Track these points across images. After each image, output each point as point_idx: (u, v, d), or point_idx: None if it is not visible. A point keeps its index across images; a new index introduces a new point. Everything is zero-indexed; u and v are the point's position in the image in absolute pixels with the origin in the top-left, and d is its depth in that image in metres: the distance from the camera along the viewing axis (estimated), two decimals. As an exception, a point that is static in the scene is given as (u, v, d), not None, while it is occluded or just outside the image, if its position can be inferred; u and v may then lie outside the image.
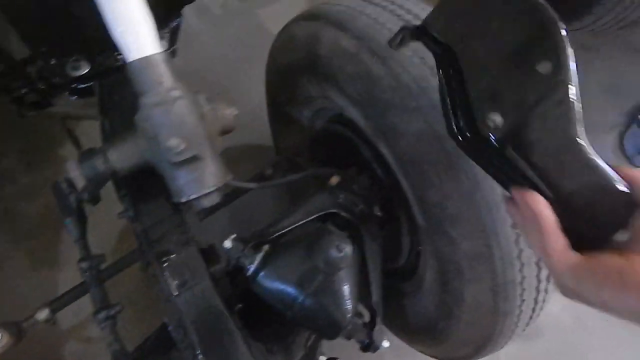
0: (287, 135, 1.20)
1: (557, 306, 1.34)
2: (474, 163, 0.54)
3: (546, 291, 0.77)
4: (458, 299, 0.79)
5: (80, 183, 0.63)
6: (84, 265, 0.74)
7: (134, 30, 0.58)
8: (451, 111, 0.55)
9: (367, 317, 0.69)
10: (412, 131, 0.70)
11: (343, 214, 0.74)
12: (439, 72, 0.55)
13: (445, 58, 0.55)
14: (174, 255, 0.68)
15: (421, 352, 1.08)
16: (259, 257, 0.63)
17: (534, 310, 0.78)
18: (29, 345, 1.13)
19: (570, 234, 0.45)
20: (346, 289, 0.63)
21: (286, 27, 0.95)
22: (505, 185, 0.50)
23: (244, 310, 0.70)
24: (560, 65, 0.44)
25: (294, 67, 0.94)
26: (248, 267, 0.63)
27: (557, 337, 1.36)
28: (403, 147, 0.72)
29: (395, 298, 1.03)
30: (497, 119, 0.48)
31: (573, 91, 0.45)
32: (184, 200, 0.62)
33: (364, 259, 0.71)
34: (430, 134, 0.67)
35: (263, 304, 0.71)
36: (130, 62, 0.58)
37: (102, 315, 0.71)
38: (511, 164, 0.48)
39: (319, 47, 0.82)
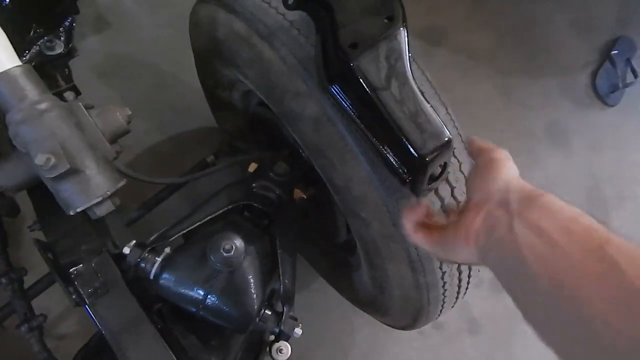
0: (226, 118, 1.18)
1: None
2: (369, 147, 0.57)
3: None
4: (383, 275, 0.78)
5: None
6: (4, 280, 0.75)
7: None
8: (323, 63, 0.55)
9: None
10: (308, 115, 0.67)
11: (255, 204, 0.73)
12: (317, 29, 0.60)
13: (323, 15, 0.54)
14: (81, 265, 0.68)
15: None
16: (158, 261, 0.63)
17: (460, 280, 0.78)
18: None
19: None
20: (248, 283, 0.63)
21: (192, 12, 0.90)
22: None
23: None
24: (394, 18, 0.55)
25: (205, 52, 0.90)
26: (149, 271, 0.63)
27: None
28: (304, 131, 0.69)
29: (345, 270, 1.04)
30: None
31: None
32: (72, 212, 0.61)
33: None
34: (324, 118, 0.65)
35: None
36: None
37: (26, 327, 0.72)
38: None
39: (217, 31, 0.78)
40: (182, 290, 0.63)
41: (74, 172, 0.59)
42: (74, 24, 0.84)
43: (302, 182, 0.83)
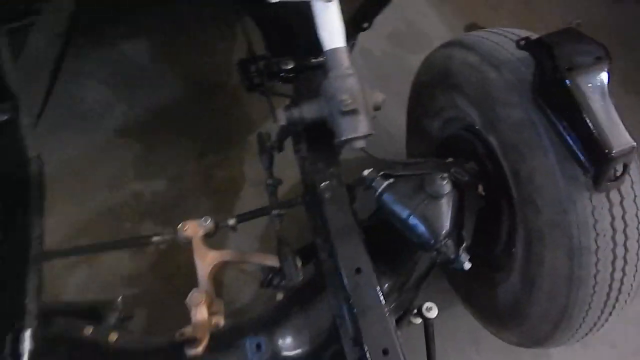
0: (418, 144, 1.48)
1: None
2: (561, 143, 0.82)
3: (624, 272, 0.89)
4: (539, 265, 0.95)
5: (282, 122, 1.00)
6: (269, 182, 1.12)
7: (333, 33, 0.95)
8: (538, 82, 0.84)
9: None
10: (513, 120, 0.93)
11: (452, 178, 0.99)
12: (535, 60, 0.88)
13: (544, 52, 0.84)
14: (327, 182, 1.01)
15: (503, 339, 1.21)
16: (385, 184, 0.91)
17: (610, 287, 0.90)
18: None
19: None
20: (443, 214, 0.86)
21: (428, 55, 1.26)
22: None
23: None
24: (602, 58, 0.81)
25: (431, 83, 1.24)
26: (377, 189, 0.92)
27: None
28: (506, 133, 0.95)
29: (484, 288, 1.20)
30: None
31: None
32: (343, 139, 0.94)
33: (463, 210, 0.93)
34: (528, 122, 0.90)
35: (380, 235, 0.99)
36: (328, 50, 0.95)
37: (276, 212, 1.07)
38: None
39: (451, 64, 1.11)
40: (395, 207, 0.89)
41: (355, 112, 0.93)
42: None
43: (483, 182, 1.06)
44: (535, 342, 1.09)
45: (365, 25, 1.23)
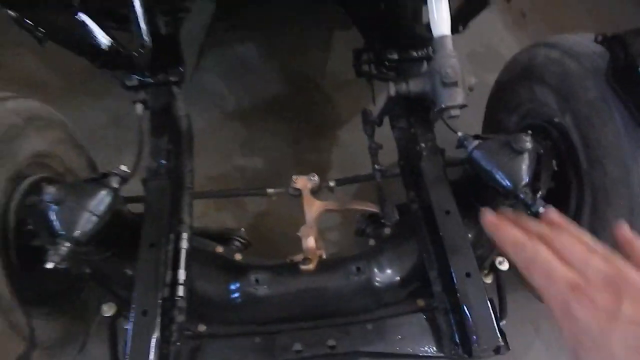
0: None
1: None
2: (619, 107, 1.00)
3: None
4: (603, 223, 1.12)
5: (392, 93, 1.25)
6: (372, 145, 1.36)
7: (442, 23, 1.21)
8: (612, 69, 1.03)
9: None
10: (588, 98, 1.13)
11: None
12: (610, 53, 1.05)
13: (618, 48, 1.04)
14: (423, 144, 1.25)
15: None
16: (476, 142, 1.13)
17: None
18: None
19: None
20: (524, 166, 1.06)
21: (511, 58, 1.49)
22: None
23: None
24: None
25: (513, 79, 1.46)
26: (469, 146, 1.14)
27: None
28: (580, 109, 1.16)
29: None
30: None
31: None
32: (443, 106, 1.17)
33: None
34: (599, 99, 1.10)
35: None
36: (437, 36, 1.20)
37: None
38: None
39: (534, 60, 1.34)
40: (483, 162, 1.10)
41: (455, 85, 1.16)
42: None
43: (556, 159, 1.26)
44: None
45: (460, 28, 1.47)
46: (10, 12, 1.31)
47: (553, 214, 0.57)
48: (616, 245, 0.53)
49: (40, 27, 1.36)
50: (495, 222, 0.56)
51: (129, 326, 1.04)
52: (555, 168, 1.25)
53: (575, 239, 0.52)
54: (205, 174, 1.96)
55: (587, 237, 0.53)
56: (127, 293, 1.24)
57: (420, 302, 1.13)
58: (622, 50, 1.06)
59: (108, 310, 1.21)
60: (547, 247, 0.50)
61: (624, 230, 0.54)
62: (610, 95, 1.08)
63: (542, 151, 1.21)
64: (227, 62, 2.33)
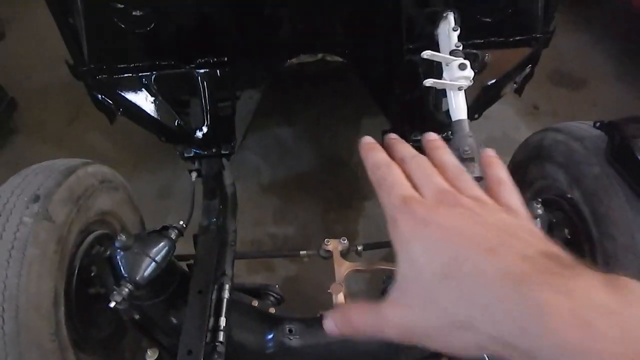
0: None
1: None
2: (620, 182, 1.14)
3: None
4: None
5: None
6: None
7: (460, 109, 1.41)
8: (610, 152, 1.18)
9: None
10: (593, 174, 1.28)
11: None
12: (609, 137, 1.21)
13: (615, 133, 1.20)
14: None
15: None
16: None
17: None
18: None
19: None
20: None
21: (523, 141, 1.67)
22: None
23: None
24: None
25: (525, 159, 1.63)
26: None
27: None
28: (587, 183, 1.30)
29: None
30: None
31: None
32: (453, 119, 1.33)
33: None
34: (603, 174, 1.24)
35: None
36: (456, 120, 1.39)
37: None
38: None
39: (543, 142, 1.51)
40: None
41: (473, 160, 1.33)
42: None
43: (569, 228, 1.37)
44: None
45: (476, 116, 1.68)
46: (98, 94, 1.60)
47: (431, 136, 0.56)
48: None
49: (119, 107, 1.63)
50: (368, 145, 0.52)
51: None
52: (568, 236, 1.36)
53: (437, 161, 0.50)
54: (241, 239, 2.12)
55: (452, 160, 0.52)
56: (168, 340, 1.35)
57: (445, 357, 1.19)
58: (618, 134, 1.22)
59: (152, 355, 1.31)
60: (401, 168, 0.48)
61: (488, 153, 0.54)
62: (611, 172, 1.23)
63: (554, 220, 1.33)
64: (265, 142, 2.59)
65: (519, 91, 1.82)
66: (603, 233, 1.26)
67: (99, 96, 1.61)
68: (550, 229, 1.24)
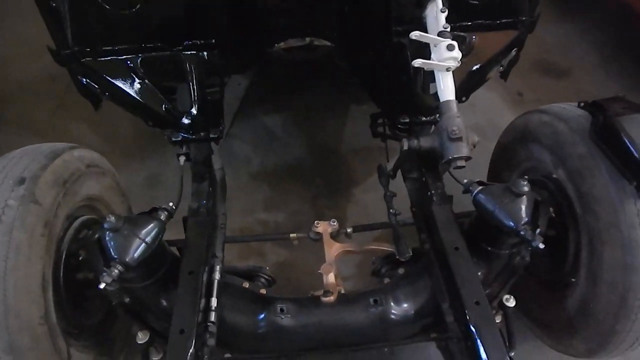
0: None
1: None
2: (604, 160, 1.18)
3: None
4: (600, 261, 1.24)
5: (405, 147, 1.43)
6: (388, 193, 1.52)
7: (448, 90, 1.42)
8: (595, 130, 1.21)
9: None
10: (577, 153, 1.31)
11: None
12: (593, 118, 1.26)
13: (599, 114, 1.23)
14: (434, 191, 1.40)
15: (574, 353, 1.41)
16: (479, 187, 1.28)
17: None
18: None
19: None
20: (523, 206, 1.19)
21: (509, 124, 1.69)
22: None
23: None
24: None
25: (512, 141, 1.65)
26: (473, 191, 1.29)
27: None
28: (571, 162, 1.32)
29: (555, 301, 1.45)
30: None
31: None
32: (450, 157, 1.33)
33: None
34: (587, 153, 1.27)
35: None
36: (444, 100, 1.40)
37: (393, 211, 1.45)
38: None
39: (529, 124, 1.54)
40: (486, 204, 1.23)
41: (460, 139, 1.34)
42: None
43: (553, 206, 1.40)
44: (600, 344, 1.30)
45: (463, 99, 1.70)
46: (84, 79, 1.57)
47: None
48: None
49: (105, 91, 1.61)
50: None
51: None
52: (553, 214, 1.39)
53: None
54: (231, 226, 2.11)
55: None
56: (159, 323, 1.34)
57: (434, 333, 1.21)
58: (602, 113, 1.25)
59: (143, 337, 1.31)
60: None
61: None
62: (595, 150, 1.25)
63: (539, 198, 1.36)
64: (254, 130, 2.58)
65: (504, 75, 1.84)
66: (587, 210, 1.29)
67: (84, 80, 1.58)
68: (536, 208, 1.26)
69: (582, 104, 1.34)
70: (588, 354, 1.38)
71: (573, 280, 1.38)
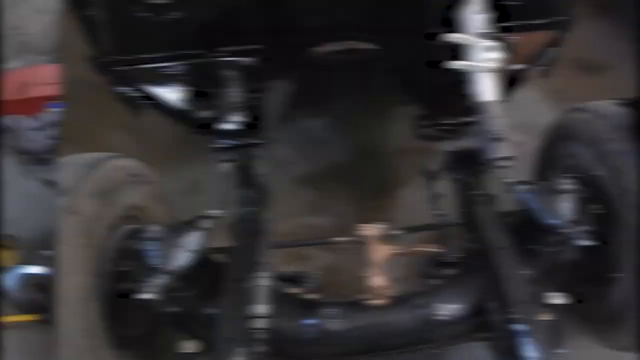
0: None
1: None
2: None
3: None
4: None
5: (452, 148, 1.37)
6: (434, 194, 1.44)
7: (490, 92, 1.33)
8: None
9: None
10: (617, 150, 1.27)
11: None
12: None
13: None
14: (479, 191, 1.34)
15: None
16: (523, 187, 1.25)
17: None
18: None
19: None
20: (567, 204, 1.21)
21: (551, 122, 1.63)
22: None
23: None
24: None
25: (553, 139, 1.61)
26: (518, 191, 1.25)
27: None
28: (612, 159, 1.28)
29: (602, 296, 1.37)
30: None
31: None
32: (492, 157, 1.26)
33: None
34: (627, 150, 1.23)
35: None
36: (486, 101, 1.32)
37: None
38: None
39: (569, 122, 1.52)
40: (531, 203, 1.21)
41: (502, 140, 1.26)
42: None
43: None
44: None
45: (505, 99, 1.63)
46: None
47: None
48: None
49: (144, 98, 1.63)
50: None
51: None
52: (596, 211, 1.33)
53: None
54: (275, 231, 2.08)
55: None
56: (205, 333, 1.32)
57: (481, 334, 1.19)
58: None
59: (189, 347, 1.29)
60: None
61: None
62: (635, 147, 1.21)
63: (582, 196, 1.31)
64: (296, 134, 2.56)
65: (544, 74, 1.81)
66: (625, 205, 1.24)
67: (124, 89, 1.60)
68: (579, 205, 1.25)
69: (621, 101, 1.32)
70: (634, 348, 1.32)
71: (618, 275, 1.32)
